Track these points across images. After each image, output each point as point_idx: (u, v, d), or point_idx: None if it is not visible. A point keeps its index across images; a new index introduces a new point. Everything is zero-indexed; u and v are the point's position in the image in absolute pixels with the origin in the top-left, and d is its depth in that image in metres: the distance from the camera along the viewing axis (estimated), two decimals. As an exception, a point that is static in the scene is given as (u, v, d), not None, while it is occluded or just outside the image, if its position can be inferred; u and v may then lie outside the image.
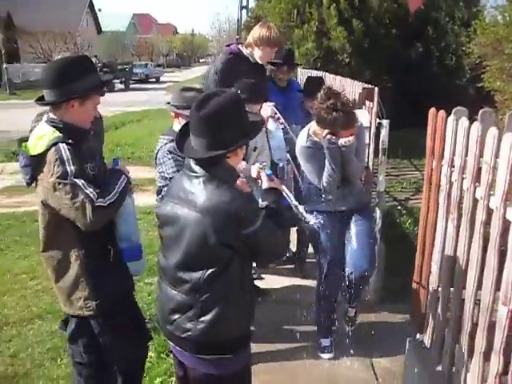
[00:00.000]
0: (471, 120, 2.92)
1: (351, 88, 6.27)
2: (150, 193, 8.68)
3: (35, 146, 2.84)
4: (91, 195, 2.77)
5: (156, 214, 2.73)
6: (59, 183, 2.75)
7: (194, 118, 2.45)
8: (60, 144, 2.79)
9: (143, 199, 7.65)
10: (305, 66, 12.05)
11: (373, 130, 5.20)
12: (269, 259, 2.72)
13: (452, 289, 3.06)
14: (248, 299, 2.62)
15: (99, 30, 58.28)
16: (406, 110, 12.16)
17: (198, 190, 2.43)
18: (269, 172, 2.81)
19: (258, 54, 4.84)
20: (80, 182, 2.77)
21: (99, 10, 62.74)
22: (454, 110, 3.16)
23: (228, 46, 5.10)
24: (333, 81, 7.73)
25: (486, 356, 2.61)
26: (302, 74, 10.78)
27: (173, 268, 2.55)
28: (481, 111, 3.14)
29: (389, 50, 13.07)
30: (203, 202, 2.39)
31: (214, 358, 2.56)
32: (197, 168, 2.47)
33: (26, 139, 2.96)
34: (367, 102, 5.41)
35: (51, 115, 2.90)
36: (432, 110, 3.40)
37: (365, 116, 5.30)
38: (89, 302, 3.00)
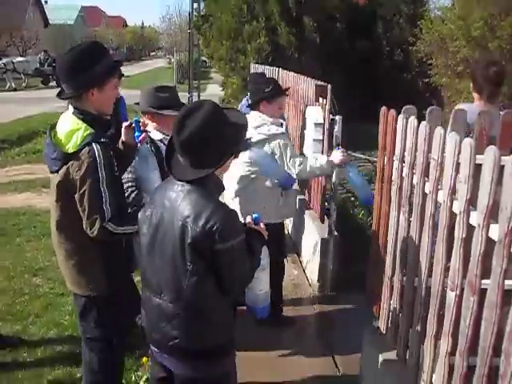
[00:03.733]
0: (420, 114, 3.11)
1: (304, 84, 6.42)
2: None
3: (67, 142, 2.89)
4: (106, 214, 2.84)
5: (138, 221, 2.71)
6: (89, 183, 2.82)
7: (175, 140, 2.46)
8: (94, 145, 2.84)
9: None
10: (257, 61, 12.16)
11: (326, 125, 5.39)
12: (232, 287, 2.57)
13: (405, 277, 3.25)
14: (229, 307, 2.70)
15: (46, 23, 56.92)
16: (357, 102, 12.43)
17: (182, 199, 2.45)
18: (255, 216, 2.83)
19: None
20: (106, 193, 2.83)
21: (45, 3, 61.41)
22: (403, 109, 3.33)
23: None
24: (286, 76, 7.87)
25: (437, 338, 2.80)
26: (256, 70, 10.85)
27: (155, 277, 2.58)
28: (428, 109, 3.32)
29: (338, 45, 13.32)
30: (187, 211, 2.41)
31: (202, 362, 2.61)
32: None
33: (54, 125, 3.02)
34: (320, 99, 5.58)
35: (75, 105, 2.96)
36: (383, 109, 3.58)
37: (318, 112, 5.48)
38: (99, 283, 3.09)
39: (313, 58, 12.57)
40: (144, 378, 4.02)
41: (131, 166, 3.50)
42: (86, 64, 2.88)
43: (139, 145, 3.30)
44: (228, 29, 13.46)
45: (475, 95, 4.39)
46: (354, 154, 8.46)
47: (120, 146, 3.26)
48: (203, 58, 26.02)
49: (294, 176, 4.42)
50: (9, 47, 40.74)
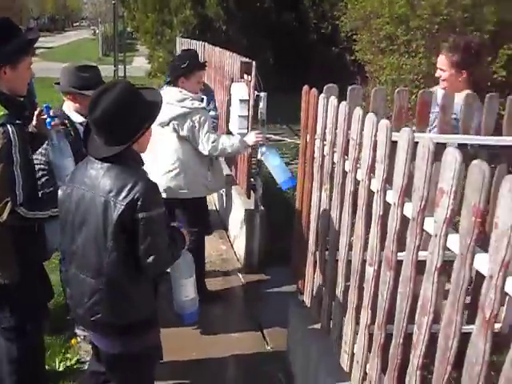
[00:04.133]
0: (342, 93, 3.18)
1: (230, 60, 6.41)
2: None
3: None
4: (18, 198, 2.76)
5: (58, 200, 2.72)
6: (2, 166, 2.73)
7: (89, 119, 2.56)
8: (8, 126, 2.75)
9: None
10: (183, 34, 11.99)
11: (251, 102, 5.42)
12: (149, 261, 2.56)
13: (327, 252, 3.35)
14: (150, 284, 2.78)
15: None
16: (284, 75, 12.49)
17: (102, 176, 2.52)
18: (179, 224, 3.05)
19: None
20: (20, 177, 2.75)
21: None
22: (325, 88, 3.41)
23: None
24: (212, 51, 7.81)
25: (358, 311, 2.92)
26: (182, 44, 10.71)
27: (79, 253, 2.62)
28: (349, 88, 3.41)
29: (266, 18, 13.30)
30: (108, 186, 2.49)
31: (124, 338, 2.68)
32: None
33: None
34: (245, 76, 5.59)
35: None
36: (305, 87, 3.64)
37: (244, 89, 5.50)
38: (10, 270, 2.99)
39: (239, 31, 12.49)
40: (74, 360, 3.99)
41: (43, 149, 3.40)
42: None
43: (52, 131, 3.21)
44: (153, 1, 13.19)
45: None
46: (272, 135, 8.51)
47: (31, 129, 3.18)
48: (129, 29, 25.42)
49: (206, 152, 4.50)
50: None
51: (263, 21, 13.18)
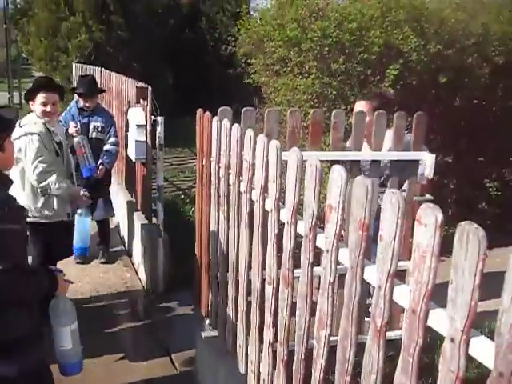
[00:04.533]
0: (238, 116, 3.24)
1: (126, 85, 6.36)
2: None
3: None
4: None
5: None
6: None
7: None
8: None
9: None
10: (80, 59, 11.75)
11: (149, 127, 5.39)
12: None
13: (228, 273, 3.36)
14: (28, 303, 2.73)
15: None
16: (184, 98, 12.53)
17: None
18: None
19: None
20: None
21: None
22: (219, 111, 3.45)
23: None
24: (108, 77, 7.73)
25: (261, 329, 2.94)
26: (78, 69, 10.50)
27: None
28: (243, 110, 3.47)
29: (162, 41, 13.32)
30: None
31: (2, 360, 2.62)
32: None
33: None
34: (142, 101, 5.57)
35: None
36: (199, 111, 3.67)
37: (140, 114, 5.47)
38: None
39: (132, 56, 12.37)
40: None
41: None
42: None
43: None
44: (46, 25, 12.83)
45: None
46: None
47: None
48: (24, 55, 24.65)
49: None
50: None
51: (158, 44, 13.18)
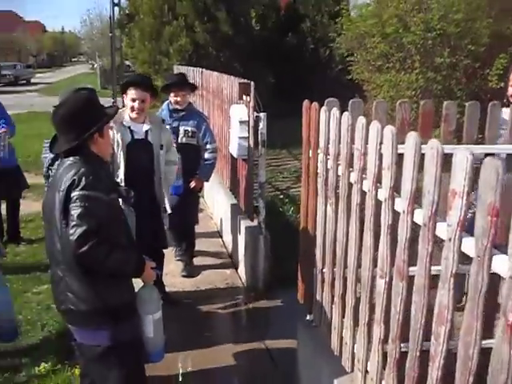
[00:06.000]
0: (343, 110, 3.14)
1: (228, 83, 6.40)
2: (30, 200, 8.31)
3: None
4: None
5: None
6: None
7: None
8: None
9: (24, 207, 7.35)
10: (181, 62, 12.04)
11: (251, 123, 5.38)
12: (75, 238, 2.57)
13: (335, 268, 3.26)
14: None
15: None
16: (283, 100, 12.55)
17: (61, 173, 2.77)
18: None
19: None
20: None
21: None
22: (326, 102, 3.36)
23: None
24: (209, 77, 7.83)
25: (370, 327, 2.83)
26: (178, 71, 10.72)
27: (49, 250, 2.82)
28: (350, 101, 3.38)
29: (263, 42, 13.44)
30: (61, 181, 2.72)
31: (93, 329, 2.78)
32: (65, 159, 2.83)
33: None
34: (244, 97, 5.57)
35: None
36: (306, 102, 3.60)
37: (243, 110, 5.47)
38: None
39: (233, 55, 12.55)
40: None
41: None
42: None
43: None
44: (149, 30, 13.26)
45: None
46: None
47: None
48: (127, 63, 25.66)
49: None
50: None
51: (259, 45, 13.29)
